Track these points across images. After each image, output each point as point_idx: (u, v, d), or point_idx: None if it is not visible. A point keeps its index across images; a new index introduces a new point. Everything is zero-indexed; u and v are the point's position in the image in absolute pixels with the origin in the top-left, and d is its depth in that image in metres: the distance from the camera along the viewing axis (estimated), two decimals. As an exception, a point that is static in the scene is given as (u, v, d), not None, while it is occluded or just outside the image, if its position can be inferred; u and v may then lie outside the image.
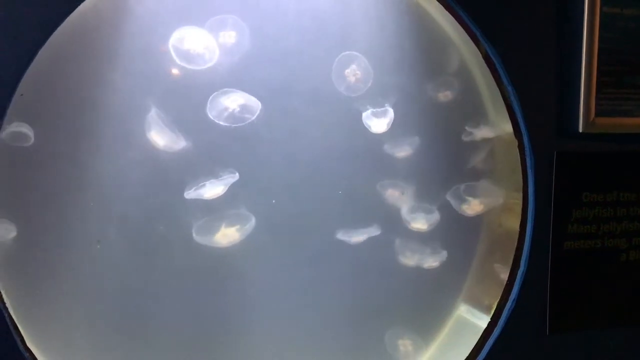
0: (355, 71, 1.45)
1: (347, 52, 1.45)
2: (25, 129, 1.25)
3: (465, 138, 1.56)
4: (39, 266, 1.30)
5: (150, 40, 1.34)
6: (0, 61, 1.09)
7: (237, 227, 1.41)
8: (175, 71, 1.36)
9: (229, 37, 1.37)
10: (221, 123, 1.36)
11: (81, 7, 1.15)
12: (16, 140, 1.24)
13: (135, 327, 1.41)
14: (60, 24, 1.13)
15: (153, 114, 1.32)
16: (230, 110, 1.36)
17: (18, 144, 1.25)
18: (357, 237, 1.51)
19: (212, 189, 1.37)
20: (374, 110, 1.46)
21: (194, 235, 1.38)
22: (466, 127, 1.56)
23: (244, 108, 1.37)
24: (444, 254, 1.56)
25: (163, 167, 1.37)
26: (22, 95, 1.14)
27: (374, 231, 1.52)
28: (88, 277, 1.35)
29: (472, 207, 1.54)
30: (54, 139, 1.29)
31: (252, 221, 1.42)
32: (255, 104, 1.38)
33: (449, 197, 1.55)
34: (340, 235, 1.50)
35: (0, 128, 1.11)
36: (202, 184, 1.36)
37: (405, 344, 1.58)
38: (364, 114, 1.47)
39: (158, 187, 1.38)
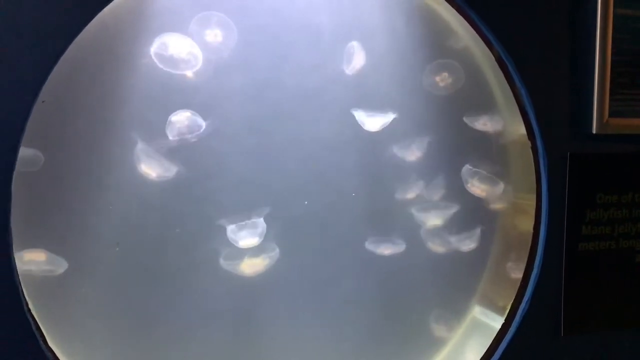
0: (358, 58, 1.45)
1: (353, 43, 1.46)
2: (32, 152, 1.26)
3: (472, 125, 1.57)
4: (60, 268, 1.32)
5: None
6: (22, 69, 1.11)
7: (262, 257, 1.44)
8: (189, 74, 1.37)
9: (215, 36, 1.38)
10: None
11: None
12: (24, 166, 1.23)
13: (153, 330, 1.43)
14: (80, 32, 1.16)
15: (139, 148, 1.34)
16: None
17: (26, 169, 1.24)
18: (383, 249, 1.54)
19: (248, 239, 1.40)
20: (370, 112, 1.47)
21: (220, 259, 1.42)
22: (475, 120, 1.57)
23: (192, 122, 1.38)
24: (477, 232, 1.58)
25: (178, 179, 1.39)
26: (43, 102, 1.16)
27: (398, 246, 1.54)
28: (107, 280, 1.36)
29: (476, 189, 1.55)
30: (66, 158, 1.31)
31: (276, 250, 1.44)
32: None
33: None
34: (367, 245, 1.53)
35: (23, 133, 1.13)
36: (239, 229, 1.40)
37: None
38: (358, 112, 1.47)
39: (175, 199, 1.40)
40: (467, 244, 1.58)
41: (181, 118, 1.35)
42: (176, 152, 1.37)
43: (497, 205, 1.61)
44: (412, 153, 1.53)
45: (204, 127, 1.37)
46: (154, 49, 1.32)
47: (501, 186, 1.56)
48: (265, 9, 1.42)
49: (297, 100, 1.45)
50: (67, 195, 1.32)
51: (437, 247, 1.58)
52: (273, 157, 1.45)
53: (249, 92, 1.42)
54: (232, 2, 1.39)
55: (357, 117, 1.47)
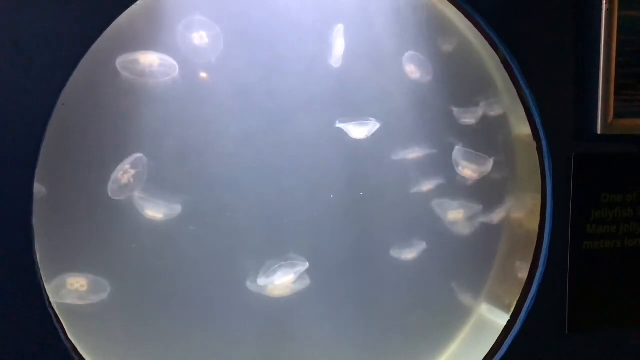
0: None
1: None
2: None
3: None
4: (79, 261, 1.36)
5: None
6: (42, 73, 1.15)
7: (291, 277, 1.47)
8: (203, 75, 1.41)
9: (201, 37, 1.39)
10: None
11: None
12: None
13: (171, 328, 1.46)
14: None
15: (136, 196, 1.36)
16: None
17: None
18: (408, 253, 1.57)
19: (283, 277, 1.45)
20: (355, 121, 1.49)
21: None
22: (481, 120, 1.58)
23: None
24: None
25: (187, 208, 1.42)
26: (63, 104, 1.19)
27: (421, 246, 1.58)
28: (123, 277, 1.40)
29: (465, 172, 1.56)
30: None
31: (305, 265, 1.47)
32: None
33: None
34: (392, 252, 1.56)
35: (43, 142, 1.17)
36: (273, 269, 1.44)
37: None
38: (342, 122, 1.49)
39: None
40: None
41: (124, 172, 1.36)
42: (175, 180, 1.41)
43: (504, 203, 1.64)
44: (414, 152, 1.55)
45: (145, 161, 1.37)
46: (125, 65, 1.34)
47: (490, 163, 1.57)
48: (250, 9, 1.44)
49: (287, 105, 1.47)
50: (84, 215, 1.36)
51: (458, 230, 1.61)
52: (269, 165, 1.48)
53: (242, 100, 1.44)
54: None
55: (343, 128, 1.49)
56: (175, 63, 1.37)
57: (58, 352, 1.20)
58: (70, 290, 1.33)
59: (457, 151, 1.55)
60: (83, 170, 1.34)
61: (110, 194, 1.33)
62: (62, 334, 1.21)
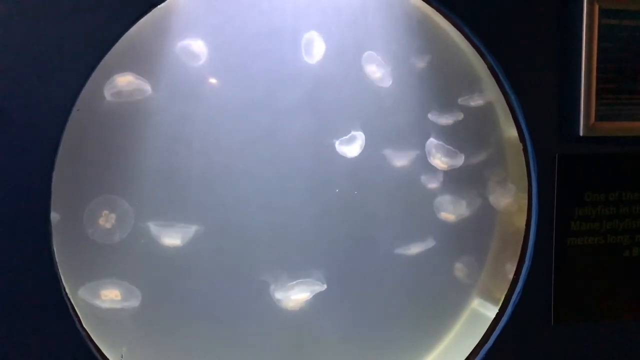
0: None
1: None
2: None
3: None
4: (95, 259, 1.44)
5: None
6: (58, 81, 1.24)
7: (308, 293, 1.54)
8: (213, 80, 1.48)
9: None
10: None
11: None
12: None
13: (181, 329, 1.54)
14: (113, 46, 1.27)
15: (153, 228, 1.43)
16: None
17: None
18: (408, 250, 1.64)
19: (299, 294, 1.52)
20: (342, 139, 1.56)
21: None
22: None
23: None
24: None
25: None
26: (78, 110, 1.26)
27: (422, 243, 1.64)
28: (137, 271, 1.47)
29: (438, 163, 1.62)
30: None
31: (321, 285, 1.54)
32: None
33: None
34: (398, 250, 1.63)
35: (59, 145, 1.24)
36: (292, 284, 1.52)
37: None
38: (336, 144, 1.56)
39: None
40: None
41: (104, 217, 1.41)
42: (180, 199, 1.48)
43: (497, 204, 1.70)
44: (407, 151, 1.62)
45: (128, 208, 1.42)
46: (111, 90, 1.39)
47: (462, 158, 1.62)
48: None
49: (278, 112, 1.53)
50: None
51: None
52: (270, 172, 1.54)
53: (232, 113, 1.50)
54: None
55: (337, 148, 1.56)
56: (149, 86, 1.42)
57: (74, 340, 1.29)
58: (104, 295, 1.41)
59: (431, 142, 1.61)
60: (90, 192, 1.42)
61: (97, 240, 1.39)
62: (77, 324, 1.29)
